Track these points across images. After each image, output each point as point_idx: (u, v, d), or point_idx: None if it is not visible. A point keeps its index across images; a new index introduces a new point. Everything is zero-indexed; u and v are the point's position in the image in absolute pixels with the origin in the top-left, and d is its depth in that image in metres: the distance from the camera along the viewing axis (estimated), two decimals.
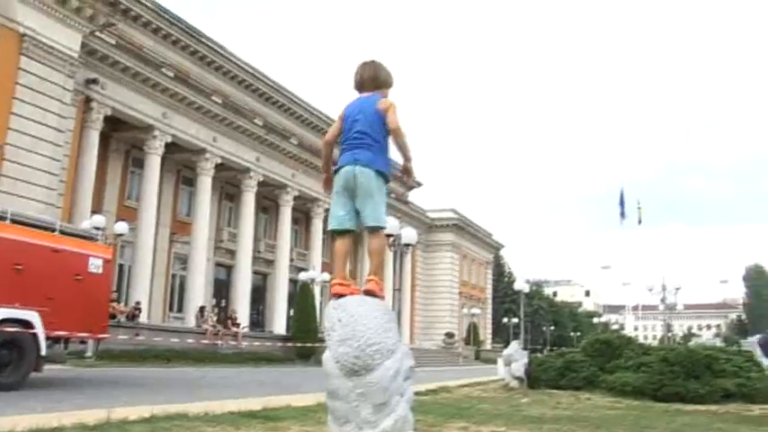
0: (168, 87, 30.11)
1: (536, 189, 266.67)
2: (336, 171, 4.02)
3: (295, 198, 39.89)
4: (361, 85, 4.22)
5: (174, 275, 34.31)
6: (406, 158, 4.07)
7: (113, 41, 27.76)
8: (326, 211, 42.70)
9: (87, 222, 22.37)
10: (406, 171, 4.12)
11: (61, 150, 23.74)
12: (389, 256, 46.90)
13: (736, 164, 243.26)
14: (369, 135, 3.98)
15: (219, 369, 23.29)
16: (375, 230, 3.99)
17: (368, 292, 3.71)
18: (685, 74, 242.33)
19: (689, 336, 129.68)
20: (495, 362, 22.41)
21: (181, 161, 33.84)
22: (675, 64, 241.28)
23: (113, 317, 22.86)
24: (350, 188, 3.95)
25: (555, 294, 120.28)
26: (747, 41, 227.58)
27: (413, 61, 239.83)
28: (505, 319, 66.74)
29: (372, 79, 4.19)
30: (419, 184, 62.69)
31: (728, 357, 17.87)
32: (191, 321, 30.64)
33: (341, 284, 3.85)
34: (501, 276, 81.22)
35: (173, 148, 31.39)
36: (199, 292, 32.17)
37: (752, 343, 16.08)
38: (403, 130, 4.00)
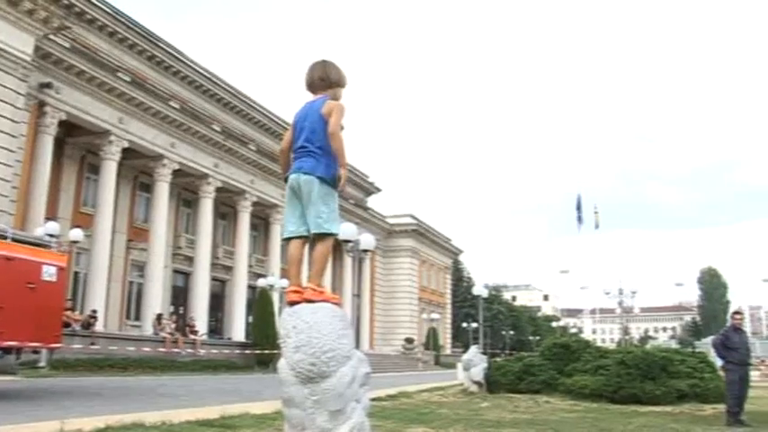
0: (125, 92, 29.70)
1: (495, 195, 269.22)
2: (287, 180, 4.00)
3: (254, 204, 39.63)
4: (311, 87, 4.16)
5: (130, 283, 33.79)
6: (339, 164, 3.97)
7: (68, 45, 27.26)
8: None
9: (41, 229, 21.89)
10: (338, 178, 4.00)
11: (14, 156, 23.30)
12: (348, 261, 46.97)
13: (689, 171, 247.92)
14: (311, 142, 3.95)
15: (177, 377, 23.02)
16: (320, 237, 3.96)
17: (307, 301, 3.68)
18: (639, 83, 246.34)
19: (645, 338, 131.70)
20: (454, 367, 22.52)
21: (138, 167, 33.39)
22: (629, 73, 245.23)
23: (68, 325, 22.44)
24: (297, 196, 3.96)
25: (514, 299, 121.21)
26: (698, 55, 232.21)
27: (376, 66, 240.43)
28: (465, 324, 67.02)
29: (321, 79, 4.13)
30: (378, 190, 62.82)
31: (683, 359, 18.22)
32: (148, 329, 30.22)
33: (294, 292, 3.84)
34: (460, 281, 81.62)
35: (129, 153, 30.97)
36: (156, 300, 31.74)
37: (707, 344, 16.36)
38: (339, 136, 3.93)
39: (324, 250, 3.97)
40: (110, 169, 29.69)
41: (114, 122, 29.52)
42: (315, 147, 3.93)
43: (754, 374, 20.23)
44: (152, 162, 32.58)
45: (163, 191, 32.77)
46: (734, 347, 11.89)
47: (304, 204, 3.95)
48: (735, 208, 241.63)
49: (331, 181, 3.93)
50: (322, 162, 3.91)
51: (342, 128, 4.01)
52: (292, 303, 3.76)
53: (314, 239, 3.96)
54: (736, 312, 13.39)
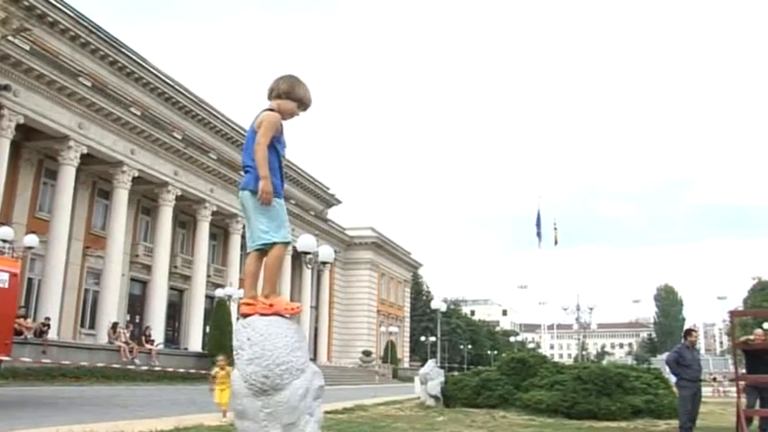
0: (85, 97, 29.32)
1: (455, 210, 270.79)
2: None
3: (213, 213, 39.35)
4: (268, 100, 4.11)
5: (86, 290, 33.25)
6: (260, 176, 3.80)
7: (28, 47, 26.86)
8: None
9: None
10: (260, 190, 3.84)
11: None
12: (307, 273, 46.75)
13: (646, 189, 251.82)
14: (249, 158, 3.89)
15: (133, 387, 22.71)
16: (269, 247, 3.91)
17: (259, 314, 3.65)
18: (596, 101, 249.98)
19: (602, 354, 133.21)
20: (412, 380, 22.55)
21: (96, 173, 32.96)
22: (586, 92, 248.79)
23: (20, 333, 22.01)
24: (244, 212, 3.99)
25: (473, 313, 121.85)
26: (653, 75, 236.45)
27: (338, 78, 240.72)
28: (423, 338, 67.26)
29: (270, 90, 4.05)
30: (339, 202, 62.77)
31: (638, 375, 18.47)
32: (103, 338, 29.73)
33: (247, 304, 3.80)
34: (419, 295, 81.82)
35: (88, 159, 30.56)
36: (112, 308, 31.26)
37: (662, 360, 16.66)
38: (261, 146, 3.81)
39: (271, 260, 3.88)
40: (68, 175, 29.24)
41: (73, 127, 29.11)
42: (250, 162, 3.88)
43: (706, 390, 20.59)
44: (111, 168, 32.17)
45: (122, 198, 32.36)
46: (687, 365, 12.08)
47: (248, 219, 3.95)
48: (690, 226, 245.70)
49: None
50: (254, 175, 3.86)
51: (268, 142, 3.87)
52: (245, 315, 3.72)
53: (266, 251, 3.92)
54: (692, 330, 13.61)
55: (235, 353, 3.06)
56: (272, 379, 2.87)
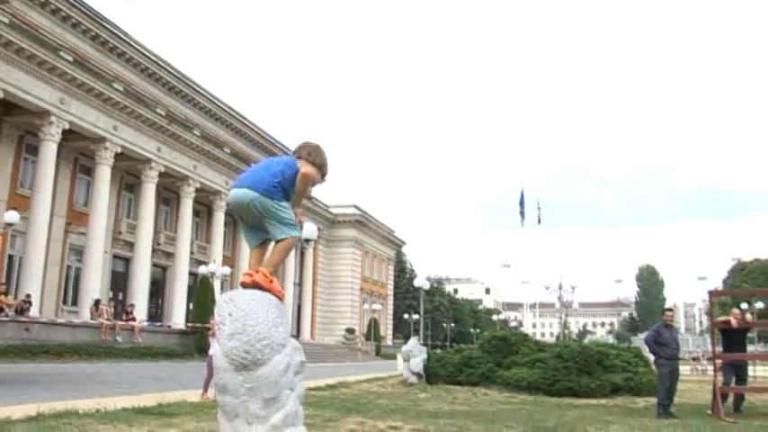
0: (66, 72, 29.02)
1: (439, 189, 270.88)
2: None
3: (197, 190, 39.23)
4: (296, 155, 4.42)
5: (68, 267, 33.12)
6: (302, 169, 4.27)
7: (6, 20, 26.49)
8: (229, 204, 42.18)
9: None
10: None
11: None
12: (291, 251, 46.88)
13: (629, 173, 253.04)
14: (269, 172, 4.21)
15: (115, 364, 22.73)
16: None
17: (254, 284, 3.76)
18: (583, 86, 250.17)
19: (584, 333, 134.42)
20: (395, 358, 22.66)
21: (78, 149, 32.72)
22: (571, 76, 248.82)
23: (0, 310, 21.96)
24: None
25: (456, 292, 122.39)
26: (634, 61, 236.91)
27: (321, 51, 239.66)
28: (406, 316, 67.56)
29: (301, 149, 4.34)
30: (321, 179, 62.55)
31: (618, 353, 18.71)
32: (85, 315, 29.68)
33: (249, 275, 3.89)
34: (403, 273, 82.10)
35: (70, 135, 30.32)
36: (94, 285, 31.17)
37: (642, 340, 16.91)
38: (303, 182, 4.24)
39: (283, 245, 4.08)
40: (49, 150, 28.98)
41: (55, 103, 28.84)
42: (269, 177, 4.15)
43: (684, 369, 20.87)
44: (93, 144, 31.94)
45: (104, 174, 32.16)
46: (665, 343, 12.26)
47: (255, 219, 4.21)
48: (672, 209, 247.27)
49: None
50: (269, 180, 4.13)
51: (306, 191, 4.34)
52: (244, 285, 3.82)
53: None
54: (668, 309, 13.83)
55: (216, 328, 3.08)
56: (252, 354, 2.90)
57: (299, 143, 4.39)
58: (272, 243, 4.11)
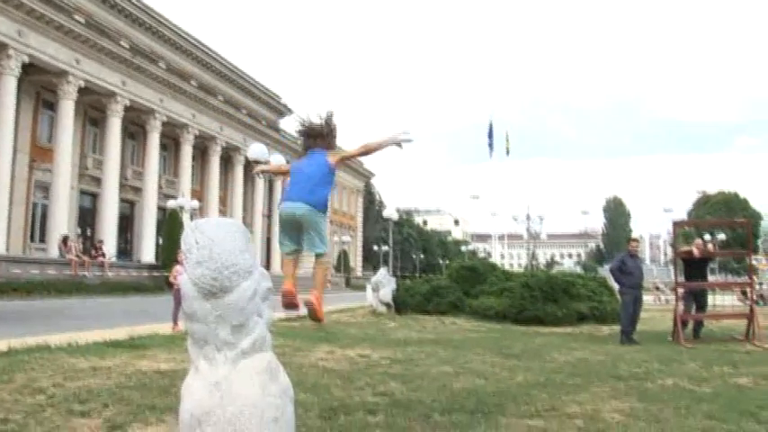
0: (23, 3, 28.11)
1: (408, 121, 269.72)
2: None
3: (163, 124, 38.67)
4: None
5: (35, 204, 32.70)
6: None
7: None
8: (196, 137, 41.74)
9: None
10: None
11: None
12: (260, 183, 46.76)
13: (598, 104, 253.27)
14: (317, 187, 5.20)
15: (85, 300, 22.74)
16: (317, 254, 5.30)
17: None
18: (551, 15, 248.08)
19: (551, 263, 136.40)
20: (365, 289, 22.87)
21: (40, 83, 31.98)
22: (539, 4, 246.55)
23: None
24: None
25: (425, 223, 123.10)
26: None
27: None
28: (376, 247, 68.05)
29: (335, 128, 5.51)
30: (291, 111, 62.03)
31: (584, 282, 19.13)
32: (54, 252, 29.52)
33: (312, 298, 5.09)
34: (372, 204, 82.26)
35: (30, 69, 29.59)
36: (62, 222, 30.88)
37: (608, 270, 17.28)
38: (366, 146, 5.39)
39: (324, 270, 5.23)
40: (9, 85, 28.23)
41: (13, 35, 28.03)
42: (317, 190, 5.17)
43: (647, 298, 21.41)
44: (55, 78, 31.21)
45: (68, 109, 31.52)
46: (629, 272, 12.58)
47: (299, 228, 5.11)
48: (639, 142, 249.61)
49: None
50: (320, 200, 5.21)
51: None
52: (309, 305, 5.03)
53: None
54: (633, 239, 14.12)
55: (184, 256, 3.13)
56: (220, 281, 2.94)
57: (313, 125, 5.29)
58: (311, 255, 4.99)
